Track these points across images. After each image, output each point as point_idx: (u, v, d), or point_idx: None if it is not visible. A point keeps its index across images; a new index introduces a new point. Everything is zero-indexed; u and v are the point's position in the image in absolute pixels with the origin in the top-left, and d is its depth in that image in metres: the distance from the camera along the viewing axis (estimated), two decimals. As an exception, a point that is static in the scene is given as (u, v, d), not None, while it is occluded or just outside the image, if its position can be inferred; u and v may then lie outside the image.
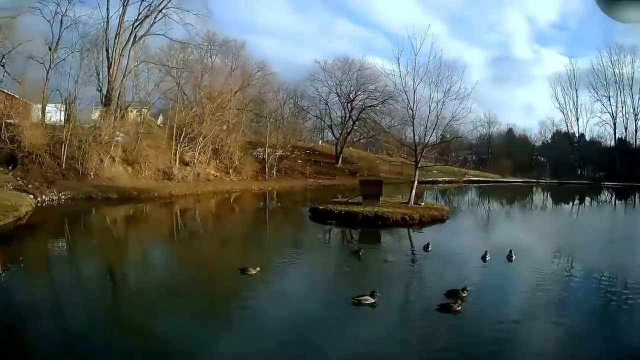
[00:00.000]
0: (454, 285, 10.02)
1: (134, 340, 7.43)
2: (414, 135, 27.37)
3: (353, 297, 9.51)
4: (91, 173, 28.75)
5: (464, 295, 9.72)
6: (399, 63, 26.37)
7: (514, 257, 13.55)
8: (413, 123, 27.01)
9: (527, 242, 17.10)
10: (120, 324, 8.19)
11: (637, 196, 49.13)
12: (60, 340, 7.41)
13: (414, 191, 25.78)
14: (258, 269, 11.14)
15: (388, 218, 21.02)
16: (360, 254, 13.52)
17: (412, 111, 26.58)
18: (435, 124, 26.87)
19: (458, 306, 8.90)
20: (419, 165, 26.97)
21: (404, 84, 26.30)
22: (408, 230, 20.11)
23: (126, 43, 36.45)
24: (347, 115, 59.78)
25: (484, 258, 13.82)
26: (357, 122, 59.82)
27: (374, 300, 9.35)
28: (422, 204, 25.72)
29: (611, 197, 49.68)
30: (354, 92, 59.26)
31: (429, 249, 14.85)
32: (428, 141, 27.24)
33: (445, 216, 23.84)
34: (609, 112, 74.00)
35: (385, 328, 8.39)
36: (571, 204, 42.20)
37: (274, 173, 45.62)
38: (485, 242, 16.77)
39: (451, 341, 7.66)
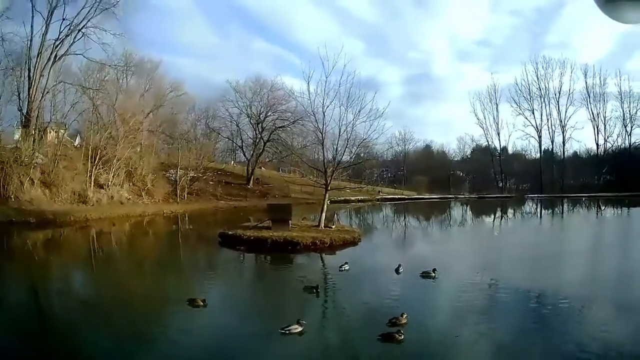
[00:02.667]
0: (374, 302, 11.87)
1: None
2: (323, 158, 28.11)
3: (281, 328, 10.01)
4: (12, 196, 31.93)
5: (404, 322, 10.20)
6: (308, 84, 27.35)
7: (436, 275, 14.75)
8: (323, 145, 27.70)
9: (444, 260, 17.39)
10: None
11: (563, 207, 53.12)
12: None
13: (324, 214, 26.75)
14: (205, 300, 11.91)
15: (298, 243, 21.65)
16: (316, 290, 13.26)
17: (322, 133, 27.39)
18: (346, 146, 27.63)
19: (400, 335, 9.31)
20: (329, 188, 27.68)
21: (313, 105, 27.34)
22: (320, 255, 20.80)
23: (47, 62, 39.52)
24: (258, 137, 64.10)
25: (397, 271, 15.66)
26: (268, 143, 63.90)
27: (301, 329, 9.95)
28: (333, 226, 26.44)
29: (536, 209, 53.14)
30: (264, 113, 63.65)
31: (346, 268, 16.42)
32: (339, 163, 28.28)
33: (357, 239, 24.48)
34: (533, 125, 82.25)
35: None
36: (492, 217, 44.70)
37: (186, 195, 49.78)
38: (401, 261, 16.90)
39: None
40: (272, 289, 15.24)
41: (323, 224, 26.27)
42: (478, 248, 25.16)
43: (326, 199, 27.71)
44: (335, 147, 27.95)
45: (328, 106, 26.86)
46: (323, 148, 27.99)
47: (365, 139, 28.05)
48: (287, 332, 9.88)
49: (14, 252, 22.46)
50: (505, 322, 10.52)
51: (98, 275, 17.62)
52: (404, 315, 10.32)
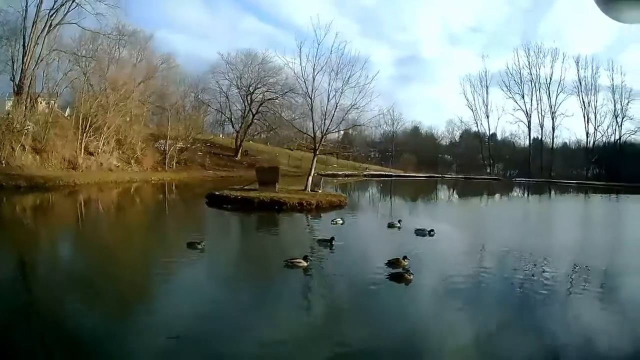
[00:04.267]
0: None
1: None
2: (312, 123, 28.86)
3: (286, 259, 10.66)
4: (3, 162, 32.88)
5: (405, 263, 10.84)
6: (300, 52, 28.02)
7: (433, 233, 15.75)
8: (312, 110, 28.45)
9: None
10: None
11: (551, 192, 52.97)
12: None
13: (310, 178, 27.64)
14: (204, 243, 12.56)
15: (285, 203, 22.39)
16: (333, 242, 13.55)
17: (311, 99, 28.05)
18: (334, 112, 28.21)
19: (410, 275, 9.83)
20: (317, 153, 28.88)
21: (303, 72, 27.91)
22: (306, 215, 21.67)
23: (41, 31, 40.19)
24: (247, 109, 64.83)
25: (391, 225, 17.70)
26: (256, 116, 64.72)
27: (306, 264, 10.48)
28: (320, 191, 27.23)
29: (523, 193, 53.11)
30: (254, 85, 64.05)
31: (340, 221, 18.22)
32: (327, 129, 28.76)
33: (343, 202, 25.34)
34: (522, 110, 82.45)
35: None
36: (478, 196, 44.92)
37: (174, 165, 51.02)
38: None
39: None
40: (270, 242, 15.72)
41: (310, 188, 27.10)
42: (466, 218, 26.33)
43: (314, 164, 28.91)
44: (324, 111, 28.68)
45: (318, 72, 27.72)
46: (312, 113, 28.71)
47: (354, 104, 28.19)
48: (291, 264, 10.60)
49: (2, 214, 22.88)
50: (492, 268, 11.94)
51: (94, 232, 18.06)
52: (405, 258, 11.17)
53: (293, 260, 10.73)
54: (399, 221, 18.31)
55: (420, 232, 16.07)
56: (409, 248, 13.04)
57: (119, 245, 15.15)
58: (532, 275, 11.30)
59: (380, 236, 17.40)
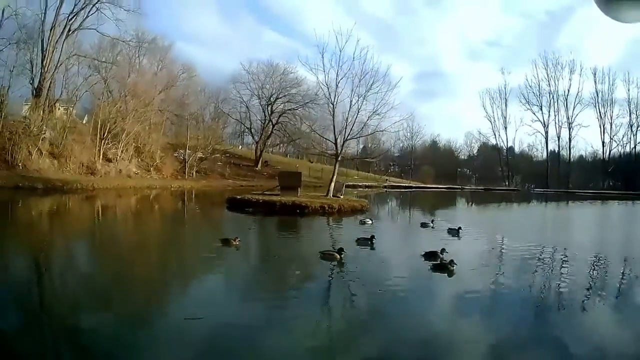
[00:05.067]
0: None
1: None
2: (334, 128, 28.44)
3: (321, 251, 10.69)
4: (20, 164, 32.27)
5: (442, 256, 10.69)
6: (322, 57, 27.74)
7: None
8: (333, 116, 28.39)
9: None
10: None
11: (568, 201, 50.68)
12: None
13: (333, 183, 27.24)
14: (239, 240, 12.06)
15: (307, 207, 22.03)
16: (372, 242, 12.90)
17: (333, 105, 28.00)
18: (356, 117, 27.99)
19: (452, 265, 9.71)
20: (339, 159, 28.57)
21: (327, 77, 27.69)
22: (328, 219, 20.94)
23: (60, 35, 39.97)
24: (267, 119, 64.59)
25: (424, 225, 17.46)
26: (276, 126, 64.56)
27: (339, 257, 10.35)
28: (341, 196, 26.54)
29: (542, 201, 51.63)
30: (275, 95, 63.98)
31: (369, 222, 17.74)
32: (349, 134, 28.44)
33: (365, 207, 24.67)
34: (540, 121, 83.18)
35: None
36: (499, 204, 42.86)
37: (194, 173, 50.31)
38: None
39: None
40: (305, 240, 15.24)
41: (332, 194, 26.52)
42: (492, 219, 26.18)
43: (336, 169, 28.32)
44: (345, 118, 28.31)
45: (341, 78, 27.58)
46: (334, 118, 28.42)
47: (375, 110, 27.86)
48: (324, 254, 10.52)
49: (18, 212, 21.97)
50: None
51: (127, 232, 17.38)
52: (442, 251, 10.86)
53: (328, 252, 10.68)
54: (432, 221, 18.14)
55: (452, 231, 15.67)
56: (443, 244, 12.25)
57: (156, 244, 14.42)
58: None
59: (415, 234, 16.81)
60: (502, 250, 13.35)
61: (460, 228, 15.59)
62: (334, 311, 7.52)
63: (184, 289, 8.52)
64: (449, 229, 16.02)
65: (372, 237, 12.82)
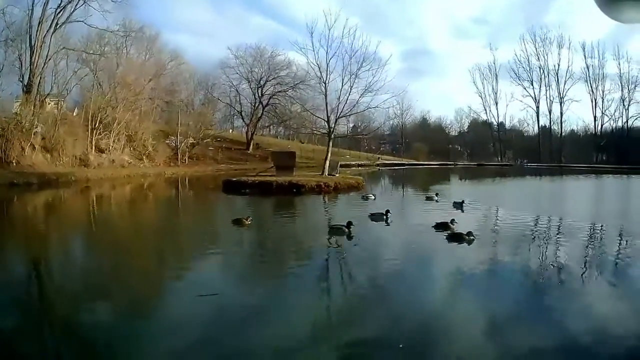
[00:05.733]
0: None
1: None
2: (326, 107, 28.47)
3: (330, 225, 11.11)
4: (13, 161, 32.38)
5: (453, 227, 11.04)
6: (312, 37, 28.09)
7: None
8: (326, 95, 28.35)
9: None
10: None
11: (562, 174, 51.51)
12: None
13: (327, 162, 27.53)
14: (250, 219, 12.35)
15: (303, 185, 22.19)
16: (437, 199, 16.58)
17: (325, 84, 28.06)
18: (348, 96, 28.12)
19: (470, 236, 9.96)
20: (332, 137, 28.87)
21: (316, 56, 28.01)
22: (324, 197, 21.27)
23: (48, 30, 39.60)
24: (258, 102, 64.55)
25: (430, 198, 18.04)
26: (266, 108, 64.45)
27: (348, 231, 10.43)
28: (337, 174, 26.86)
29: (536, 175, 51.91)
30: (265, 78, 63.71)
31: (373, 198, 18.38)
32: (341, 112, 28.63)
33: (361, 184, 25.15)
34: (531, 96, 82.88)
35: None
36: (494, 178, 43.28)
37: (186, 159, 50.59)
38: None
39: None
40: (318, 217, 15.61)
41: (327, 172, 27.06)
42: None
43: (330, 148, 28.77)
44: (337, 96, 28.41)
45: (332, 57, 28.03)
46: (326, 97, 28.45)
47: (367, 88, 27.95)
48: (333, 229, 10.75)
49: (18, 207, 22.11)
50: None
51: (134, 218, 17.85)
52: (452, 222, 11.31)
53: (336, 226, 10.85)
54: (437, 194, 18.53)
55: (456, 205, 15.94)
56: (451, 216, 12.57)
57: (167, 227, 14.45)
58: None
59: (421, 208, 16.92)
60: (510, 222, 13.39)
61: (464, 201, 15.94)
62: (364, 282, 7.55)
63: (202, 268, 8.69)
64: (454, 202, 16.27)
65: (387, 211, 12.93)
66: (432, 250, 9.60)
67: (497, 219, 14.20)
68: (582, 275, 7.87)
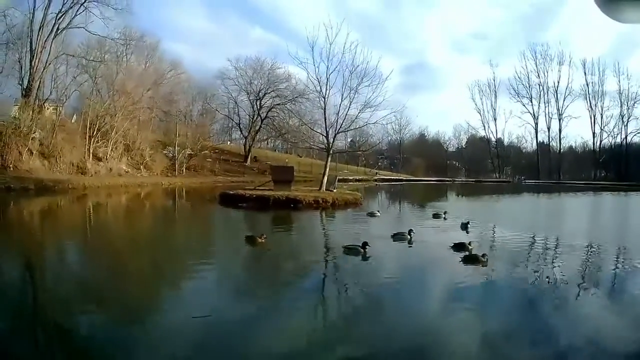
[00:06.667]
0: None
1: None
2: (325, 122, 28.31)
3: (344, 245, 10.57)
4: (10, 165, 32.08)
5: (471, 248, 10.86)
6: (312, 50, 27.67)
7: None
8: (325, 109, 28.18)
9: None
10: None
11: (560, 192, 51.00)
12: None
13: (325, 177, 27.25)
14: (265, 237, 11.56)
15: (300, 201, 21.87)
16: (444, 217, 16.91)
17: (324, 98, 27.82)
18: (347, 111, 27.92)
19: (485, 257, 9.76)
20: (330, 153, 28.53)
21: (317, 70, 27.86)
22: (321, 213, 20.86)
23: (48, 35, 39.54)
24: (256, 114, 64.39)
25: (436, 216, 17.85)
26: (265, 121, 64.21)
27: (363, 251, 10.22)
28: (334, 190, 26.47)
29: (535, 193, 51.18)
30: (264, 90, 63.76)
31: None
32: (340, 127, 28.42)
33: (359, 200, 24.81)
34: (530, 112, 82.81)
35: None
36: (492, 196, 42.54)
37: (184, 170, 50.29)
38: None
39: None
40: (330, 235, 15.16)
41: (325, 187, 26.59)
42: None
43: (328, 163, 28.55)
44: (336, 112, 28.26)
45: (332, 72, 27.63)
46: (325, 112, 28.26)
47: (366, 104, 27.81)
48: (348, 249, 10.46)
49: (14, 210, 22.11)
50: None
51: (137, 229, 17.43)
52: (470, 243, 11.11)
53: (351, 246, 10.56)
54: (445, 212, 18.24)
55: (463, 226, 15.37)
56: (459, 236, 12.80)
57: (173, 241, 14.16)
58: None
59: (431, 226, 16.37)
60: (513, 241, 13.26)
61: (469, 222, 15.38)
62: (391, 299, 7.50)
63: (211, 281, 8.63)
64: (462, 223, 15.68)
65: (410, 230, 12.52)
66: (445, 271, 9.50)
67: (503, 239, 13.96)
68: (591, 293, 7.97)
